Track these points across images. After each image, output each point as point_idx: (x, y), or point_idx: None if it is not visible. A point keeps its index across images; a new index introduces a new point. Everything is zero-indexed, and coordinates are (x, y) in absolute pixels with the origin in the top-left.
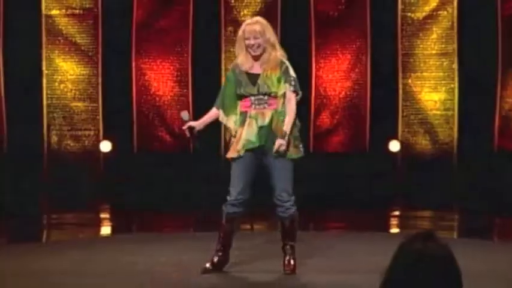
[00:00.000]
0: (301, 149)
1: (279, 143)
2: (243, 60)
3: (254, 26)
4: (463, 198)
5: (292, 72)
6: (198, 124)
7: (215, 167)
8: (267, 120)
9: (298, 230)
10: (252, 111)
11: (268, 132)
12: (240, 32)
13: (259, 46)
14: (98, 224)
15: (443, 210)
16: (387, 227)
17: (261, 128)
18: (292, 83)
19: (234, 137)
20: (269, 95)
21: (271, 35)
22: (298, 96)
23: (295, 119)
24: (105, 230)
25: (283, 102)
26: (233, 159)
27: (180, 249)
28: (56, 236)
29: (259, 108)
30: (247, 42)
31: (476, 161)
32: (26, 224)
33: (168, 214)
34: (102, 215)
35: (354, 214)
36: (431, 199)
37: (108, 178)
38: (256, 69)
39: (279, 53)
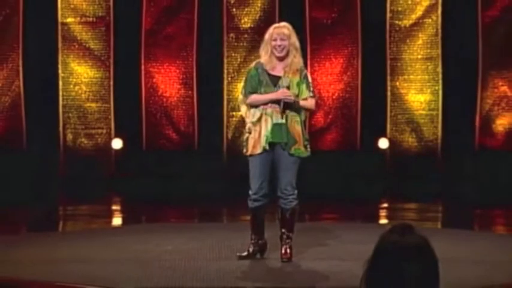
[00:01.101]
0: (309, 150)
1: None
2: (267, 61)
3: (283, 29)
4: (447, 192)
5: (310, 78)
6: None
7: (216, 164)
8: (281, 118)
9: (296, 222)
10: (268, 109)
11: (282, 130)
12: (266, 36)
13: (284, 48)
14: (110, 215)
15: (428, 203)
16: (377, 218)
17: (275, 124)
18: (311, 89)
19: (250, 133)
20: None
21: (296, 41)
22: (315, 98)
23: (304, 127)
24: (117, 220)
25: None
26: (252, 155)
27: (186, 238)
28: (71, 227)
29: (274, 107)
30: (273, 43)
31: (459, 157)
32: (44, 215)
33: (175, 206)
34: (114, 207)
35: (346, 206)
36: (417, 192)
37: (119, 173)
38: (278, 71)
39: (301, 59)
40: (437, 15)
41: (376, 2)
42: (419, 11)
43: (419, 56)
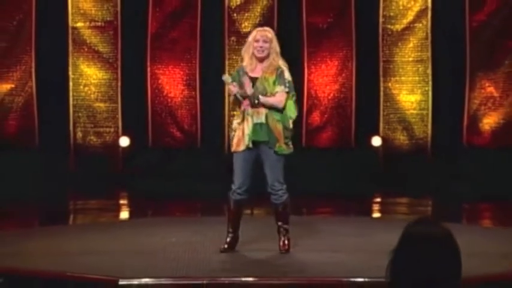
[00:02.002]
0: (291, 147)
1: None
2: (248, 62)
3: (266, 32)
4: (436, 187)
5: (287, 75)
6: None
7: (218, 161)
8: (262, 118)
9: (290, 214)
10: (249, 110)
11: (262, 129)
12: (249, 38)
13: (265, 49)
14: (117, 209)
15: (419, 197)
16: (370, 212)
17: (256, 124)
18: (287, 84)
19: (235, 131)
20: (265, 95)
21: (277, 45)
22: (294, 98)
23: (289, 124)
24: (124, 214)
25: None
26: (236, 152)
27: (189, 231)
28: (80, 220)
29: (256, 106)
30: (255, 44)
31: (448, 154)
32: (55, 209)
33: (179, 201)
34: (121, 201)
35: (340, 201)
36: (408, 188)
37: (126, 169)
38: (257, 72)
39: (280, 62)
40: (427, 20)
41: (370, 8)
42: (410, 16)
43: (411, 59)
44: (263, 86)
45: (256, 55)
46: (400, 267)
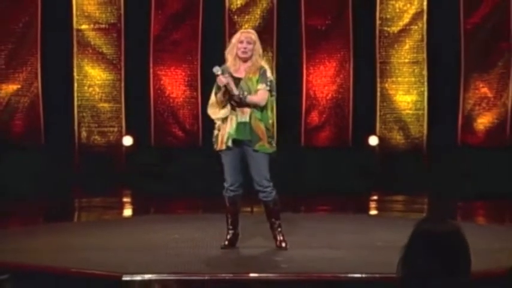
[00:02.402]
0: (274, 146)
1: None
2: (231, 62)
3: (250, 34)
4: (432, 185)
5: (269, 75)
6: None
7: (218, 160)
8: (246, 117)
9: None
10: (234, 109)
11: (247, 128)
12: (233, 39)
13: (249, 50)
14: (121, 206)
15: (415, 195)
16: (367, 209)
17: (240, 123)
18: (268, 83)
19: (219, 130)
20: (249, 94)
21: (260, 47)
22: (273, 97)
23: (269, 124)
24: (127, 211)
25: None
26: (221, 151)
27: (191, 228)
28: (85, 217)
29: (241, 106)
30: (240, 45)
31: (443, 153)
32: (60, 207)
33: (180, 198)
34: (125, 199)
35: (338, 198)
36: (404, 186)
37: (129, 167)
38: (240, 72)
39: (263, 62)
40: (423, 23)
41: (367, 10)
42: (406, 18)
43: (406, 60)
44: (247, 86)
45: (240, 56)
46: (411, 263)
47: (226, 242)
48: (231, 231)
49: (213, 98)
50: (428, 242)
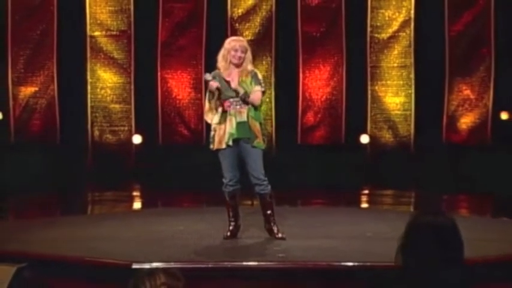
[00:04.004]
0: (266, 143)
1: (243, 93)
2: (224, 67)
3: (243, 42)
4: (418, 180)
5: (260, 77)
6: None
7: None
8: (244, 117)
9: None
10: (232, 110)
11: (245, 127)
12: (228, 46)
13: (242, 58)
14: (131, 200)
15: (403, 190)
16: (358, 203)
17: (239, 123)
18: (262, 84)
19: (215, 131)
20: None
21: (250, 54)
22: (264, 94)
23: (263, 122)
24: (136, 205)
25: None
26: (220, 150)
27: (196, 220)
28: (98, 210)
29: (237, 108)
30: (234, 53)
31: (429, 150)
32: (75, 200)
33: (186, 192)
34: (134, 193)
35: (332, 193)
36: (393, 181)
37: (138, 164)
38: (233, 77)
39: (252, 68)
40: (411, 30)
41: (358, 18)
42: (395, 25)
43: (395, 64)
44: (242, 88)
45: (234, 63)
46: (412, 253)
47: (228, 233)
48: (232, 223)
49: (207, 105)
50: (428, 233)
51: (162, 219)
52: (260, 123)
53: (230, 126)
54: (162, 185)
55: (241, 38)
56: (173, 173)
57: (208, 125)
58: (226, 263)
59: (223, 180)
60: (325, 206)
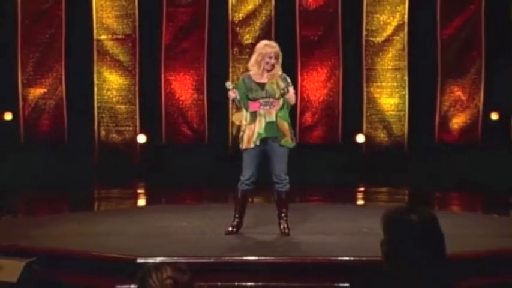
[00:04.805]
0: (294, 141)
1: (284, 87)
2: (256, 72)
3: (276, 48)
4: (412, 178)
5: (289, 80)
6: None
7: (222, 155)
8: (273, 117)
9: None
10: (261, 111)
11: (273, 127)
12: (263, 51)
13: (276, 64)
14: (136, 197)
15: (397, 187)
16: (355, 199)
17: (268, 123)
18: (291, 85)
19: (244, 131)
20: (273, 97)
21: (281, 59)
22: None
23: (289, 121)
24: (141, 202)
25: (282, 104)
26: (247, 149)
27: (198, 216)
28: (104, 206)
29: (266, 108)
30: (268, 60)
31: (422, 149)
32: (82, 197)
33: (189, 190)
34: (139, 191)
35: (329, 190)
36: (388, 178)
37: (143, 162)
38: (264, 79)
39: (281, 70)
40: (404, 33)
41: (354, 23)
42: (389, 29)
43: (390, 67)
44: (272, 90)
45: (267, 68)
46: (391, 249)
47: (230, 229)
48: (236, 220)
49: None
50: (410, 229)
51: (166, 216)
52: (288, 123)
53: (259, 126)
54: (165, 183)
55: (273, 43)
56: (176, 171)
57: (211, 125)
58: (227, 258)
59: (241, 177)
60: (323, 203)
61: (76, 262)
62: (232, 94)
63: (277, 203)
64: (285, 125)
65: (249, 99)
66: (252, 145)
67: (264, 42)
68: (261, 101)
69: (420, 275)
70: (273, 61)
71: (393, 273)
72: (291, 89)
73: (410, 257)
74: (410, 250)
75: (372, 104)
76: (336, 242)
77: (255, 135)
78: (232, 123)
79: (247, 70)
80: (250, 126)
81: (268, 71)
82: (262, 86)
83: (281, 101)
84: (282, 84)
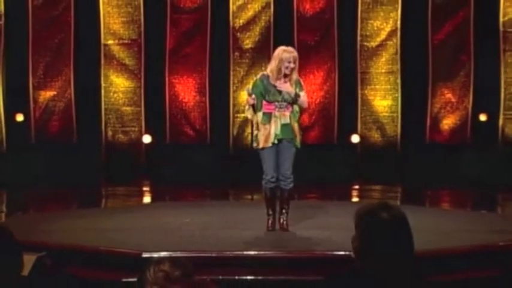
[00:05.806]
0: (300, 142)
1: (295, 95)
2: (274, 76)
3: (295, 53)
4: (404, 176)
5: (302, 83)
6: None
7: (224, 155)
8: (287, 119)
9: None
10: (276, 113)
11: (288, 128)
12: (282, 56)
13: (293, 69)
14: (141, 194)
15: (390, 185)
16: (350, 197)
17: (283, 125)
18: (303, 89)
19: (259, 130)
20: (288, 101)
21: (298, 63)
22: None
23: (299, 123)
24: (146, 199)
25: (295, 107)
26: (264, 148)
27: (201, 213)
28: (111, 203)
29: (281, 110)
30: (287, 64)
31: (414, 149)
32: (90, 194)
33: (192, 188)
34: (144, 188)
35: (325, 188)
36: (381, 177)
37: (148, 161)
38: (282, 83)
39: (296, 75)
40: (397, 39)
41: (349, 28)
42: (383, 35)
43: (383, 70)
44: (288, 95)
45: (286, 73)
46: (362, 244)
47: (270, 226)
48: (271, 217)
49: (246, 102)
50: (381, 226)
51: (170, 212)
52: (298, 124)
53: (275, 127)
54: (169, 181)
55: (291, 48)
56: (179, 169)
57: (212, 126)
58: (228, 252)
59: (264, 176)
60: (319, 200)
61: (84, 256)
62: (250, 101)
63: (280, 200)
64: (296, 127)
65: (264, 99)
66: (270, 144)
67: (282, 48)
68: (277, 103)
69: (390, 271)
70: (292, 65)
71: (364, 269)
72: (302, 93)
73: (379, 253)
74: (379, 246)
75: (366, 106)
76: (332, 237)
77: (272, 135)
78: (251, 122)
79: (247, 74)
80: (266, 126)
81: (287, 75)
82: (279, 90)
83: (295, 105)
84: (294, 91)
